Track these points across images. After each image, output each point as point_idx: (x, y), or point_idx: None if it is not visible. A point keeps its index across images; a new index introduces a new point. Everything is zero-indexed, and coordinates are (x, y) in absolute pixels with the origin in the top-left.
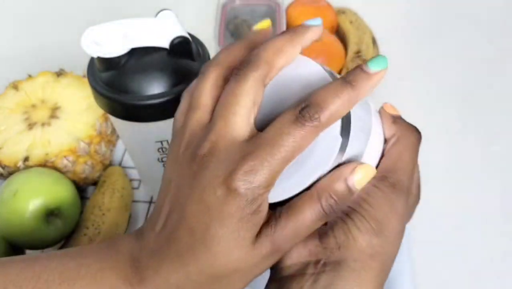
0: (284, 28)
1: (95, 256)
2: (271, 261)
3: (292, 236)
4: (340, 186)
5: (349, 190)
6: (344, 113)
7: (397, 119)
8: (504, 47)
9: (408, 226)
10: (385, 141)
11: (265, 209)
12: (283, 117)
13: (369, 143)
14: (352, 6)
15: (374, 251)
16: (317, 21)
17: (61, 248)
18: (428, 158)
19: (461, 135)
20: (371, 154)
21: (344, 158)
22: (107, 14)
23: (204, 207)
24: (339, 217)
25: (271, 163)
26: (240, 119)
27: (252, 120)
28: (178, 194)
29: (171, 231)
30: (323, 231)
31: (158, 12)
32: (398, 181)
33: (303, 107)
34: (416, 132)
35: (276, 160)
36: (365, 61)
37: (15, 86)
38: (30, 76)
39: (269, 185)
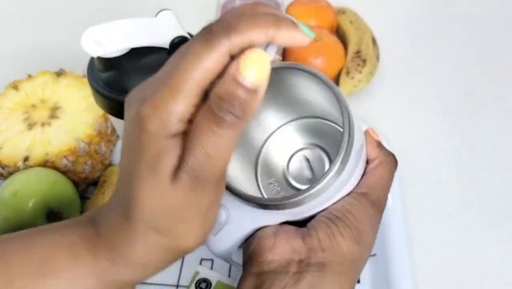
0: None
1: (56, 224)
2: (202, 197)
3: (206, 160)
4: (237, 91)
5: (249, 91)
6: (254, 40)
7: (380, 144)
8: (504, 47)
9: (408, 226)
10: (367, 161)
11: (177, 141)
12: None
13: (360, 163)
14: (352, 6)
15: (353, 258)
16: (311, 34)
17: None
18: (428, 158)
19: (461, 135)
20: (359, 172)
21: (340, 178)
22: (107, 14)
23: (128, 149)
24: (323, 221)
25: (175, 88)
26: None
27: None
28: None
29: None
30: (306, 232)
31: (158, 12)
32: (378, 198)
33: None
34: (394, 159)
35: (177, 82)
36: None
37: (15, 86)
38: (30, 76)
39: (175, 112)
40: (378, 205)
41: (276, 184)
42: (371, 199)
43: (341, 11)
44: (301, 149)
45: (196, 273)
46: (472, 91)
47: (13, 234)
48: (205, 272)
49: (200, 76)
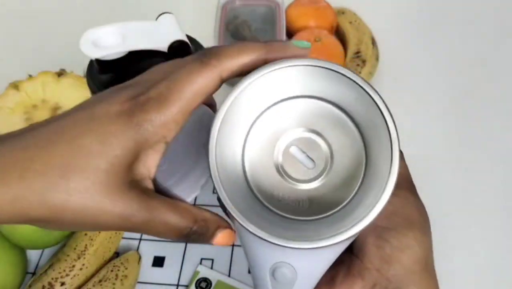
0: (284, 28)
1: None
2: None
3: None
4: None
5: None
6: (246, 63)
7: None
8: (504, 47)
9: None
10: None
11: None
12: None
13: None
14: (352, 7)
15: (422, 260)
16: (306, 45)
17: (61, 248)
18: (428, 157)
19: (461, 134)
20: None
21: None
22: (107, 14)
23: (87, 114)
24: (372, 243)
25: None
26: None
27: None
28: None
29: (34, 132)
30: (360, 266)
31: (159, 15)
32: (407, 179)
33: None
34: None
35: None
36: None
37: (15, 86)
38: (30, 76)
39: (161, 114)
40: (414, 191)
41: (285, 199)
42: (406, 186)
43: (341, 12)
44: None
45: (196, 273)
46: (472, 91)
47: None
48: (205, 271)
49: (190, 93)
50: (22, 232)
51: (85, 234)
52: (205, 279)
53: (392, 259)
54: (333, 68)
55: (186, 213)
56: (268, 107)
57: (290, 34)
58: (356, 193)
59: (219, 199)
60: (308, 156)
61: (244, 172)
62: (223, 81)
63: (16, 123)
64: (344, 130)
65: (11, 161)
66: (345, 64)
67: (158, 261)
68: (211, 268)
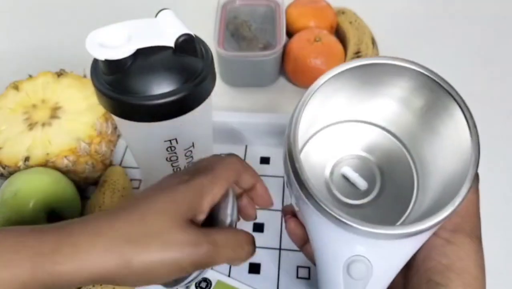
0: (284, 28)
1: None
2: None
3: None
4: None
5: None
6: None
7: None
8: (505, 46)
9: None
10: None
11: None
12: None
13: None
14: (352, 7)
15: None
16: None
17: None
18: None
19: None
20: None
21: None
22: (106, 14)
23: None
24: None
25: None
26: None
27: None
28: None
29: (115, 211)
30: None
31: (158, 12)
32: (474, 226)
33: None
34: (476, 180)
35: None
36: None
37: (15, 86)
38: (30, 76)
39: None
40: (476, 234)
41: None
42: (468, 230)
43: (341, 12)
44: (345, 158)
45: None
46: (472, 91)
47: None
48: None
49: (229, 176)
50: None
51: None
52: (205, 279)
53: None
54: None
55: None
56: (330, 124)
57: (290, 34)
58: (412, 207)
59: (300, 183)
60: (360, 176)
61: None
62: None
63: (16, 123)
64: (398, 158)
65: (104, 229)
66: None
67: None
68: (211, 268)
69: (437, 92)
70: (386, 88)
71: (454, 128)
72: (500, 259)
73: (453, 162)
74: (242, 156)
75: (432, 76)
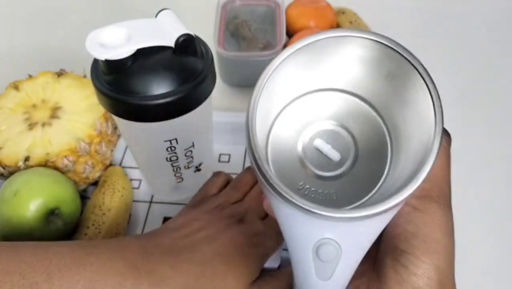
0: (284, 28)
1: (105, 246)
2: None
3: None
4: None
5: None
6: None
7: None
8: (504, 47)
9: None
10: None
11: None
12: None
13: None
14: (352, 7)
15: (439, 286)
16: None
17: None
18: None
19: (460, 135)
20: None
21: None
22: (106, 14)
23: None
24: (390, 265)
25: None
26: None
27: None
28: (210, 227)
29: (194, 240)
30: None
31: (158, 12)
32: (442, 192)
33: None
34: (446, 132)
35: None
36: None
37: (15, 86)
38: (30, 76)
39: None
40: (444, 200)
41: (305, 185)
42: (435, 197)
43: (341, 12)
44: (316, 128)
45: None
46: (472, 92)
47: (61, 245)
48: None
49: None
50: (22, 232)
51: (85, 234)
52: None
53: (408, 285)
54: (385, 42)
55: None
56: (294, 99)
57: (290, 34)
58: (381, 184)
59: (261, 174)
60: (333, 147)
61: (267, 162)
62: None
63: (16, 123)
64: (369, 123)
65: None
66: None
67: None
68: None
69: (398, 61)
70: (348, 59)
71: (418, 98)
72: (499, 259)
73: (420, 133)
74: (242, 156)
75: (389, 45)
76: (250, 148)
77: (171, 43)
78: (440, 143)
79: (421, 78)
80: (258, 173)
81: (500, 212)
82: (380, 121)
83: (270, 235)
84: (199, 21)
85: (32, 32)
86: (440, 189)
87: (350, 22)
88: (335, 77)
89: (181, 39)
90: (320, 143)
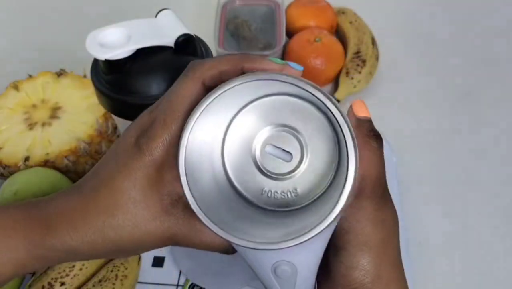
0: (284, 28)
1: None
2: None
3: None
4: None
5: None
6: (224, 70)
7: (359, 120)
8: (504, 46)
9: (406, 226)
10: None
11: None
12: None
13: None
14: (352, 7)
15: (374, 277)
16: (298, 67)
17: None
18: (427, 158)
19: (460, 135)
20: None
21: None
22: (106, 14)
23: (114, 156)
24: (332, 262)
25: (164, 118)
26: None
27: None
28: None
29: (80, 184)
30: (330, 283)
31: (158, 12)
32: (376, 185)
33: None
34: (376, 139)
35: (166, 110)
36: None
37: (15, 86)
38: (30, 76)
39: (164, 136)
40: (379, 195)
41: (273, 193)
42: (368, 193)
43: (341, 12)
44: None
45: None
46: (472, 91)
47: None
48: None
49: (179, 104)
50: None
51: None
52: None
53: (348, 277)
54: (283, 80)
55: None
56: (235, 115)
57: (290, 34)
58: (334, 175)
59: (202, 221)
60: (283, 150)
61: (229, 179)
62: (207, 86)
63: (16, 123)
64: (311, 116)
65: (72, 210)
66: (345, 64)
67: (158, 261)
68: None
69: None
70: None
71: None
72: (498, 259)
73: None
74: None
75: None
76: (188, 201)
77: (171, 43)
78: (356, 162)
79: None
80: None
81: (501, 213)
82: (321, 114)
83: None
84: (199, 21)
85: (32, 32)
86: (373, 186)
87: (350, 22)
88: (267, 88)
89: (181, 39)
90: (270, 149)
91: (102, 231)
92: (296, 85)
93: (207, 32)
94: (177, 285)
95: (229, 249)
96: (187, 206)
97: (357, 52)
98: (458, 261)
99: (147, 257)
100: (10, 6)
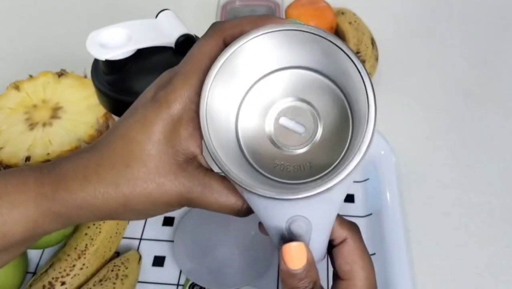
0: None
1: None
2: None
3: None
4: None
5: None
6: (245, 30)
7: (342, 221)
8: (503, 46)
9: (406, 225)
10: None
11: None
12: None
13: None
14: (352, 7)
15: None
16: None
17: (62, 247)
18: (427, 158)
19: (460, 135)
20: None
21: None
22: (106, 15)
23: (132, 110)
24: None
25: (183, 72)
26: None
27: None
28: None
29: (97, 142)
30: None
31: (158, 13)
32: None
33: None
34: (357, 227)
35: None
36: (364, 62)
37: (16, 86)
38: (31, 76)
39: (184, 90)
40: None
41: (286, 166)
42: (360, 285)
43: (341, 12)
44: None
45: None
46: (471, 92)
47: None
48: None
49: (200, 60)
50: None
51: (86, 234)
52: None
53: None
54: (305, 29)
55: (236, 191)
56: (252, 85)
57: None
58: (349, 145)
59: (225, 173)
60: (297, 122)
61: (241, 148)
62: (227, 44)
63: (16, 123)
64: (325, 90)
65: (86, 165)
66: None
67: (159, 261)
68: None
69: (322, 41)
70: (303, 47)
71: (348, 67)
72: (498, 259)
73: (360, 96)
74: None
75: (311, 31)
76: (205, 142)
77: (171, 44)
78: (375, 100)
79: (342, 52)
80: (218, 168)
81: (501, 212)
82: (336, 88)
83: None
84: (199, 21)
85: (33, 33)
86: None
87: (350, 23)
88: (285, 58)
89: (181, 39)
90: (284, 121)
91: (115, 182)
92: (319, 35)
93: None
94: (177, 285)
95: (241, 210)
96: (201, 165)
97: (357, 53)
98: (458, 261)
99: (147, 256)
100: (10, 6)
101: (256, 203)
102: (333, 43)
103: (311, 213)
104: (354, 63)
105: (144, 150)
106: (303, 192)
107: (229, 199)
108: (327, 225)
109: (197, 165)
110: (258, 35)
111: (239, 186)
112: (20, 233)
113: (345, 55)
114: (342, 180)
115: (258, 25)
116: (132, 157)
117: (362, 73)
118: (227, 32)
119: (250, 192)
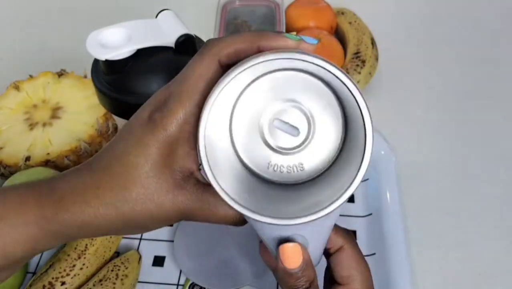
0: (283, 29)
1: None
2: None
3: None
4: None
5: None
6: (240, 48)
7: (338, 229)
8: (503, 46)
9: (406, 225)
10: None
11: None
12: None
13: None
14: (352, 7)
15: None
16: (312, 41)
17: (62, 247)
18: (427, 158)
19: (460, 135)
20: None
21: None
22: (107, 15)
23: (127, 131)
24: None
25: (179, 94)
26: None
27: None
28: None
29: (92, 161)
30: None
31: (159, 13)
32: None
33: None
34: (351, 234)
35: (181, 87)
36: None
37: (16, 86)
38: (31, 76)
39: (179, 112)
40: None
41: (280, 168)
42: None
43: (341, 12)
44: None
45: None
46: (471, 92)
47: None
48: None
49: (195, 82)
50: None
51: None
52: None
53: None
54: (302, 58)
55: None
56: (245, 88)
57: None
58: (341, 149)
59: (220, 193)
60: (291, 125)
61: (237, 154)
62: (223, 64)
63: (17, 123)
64: (320, 94)
65: (85, 184)
66: (345, 65)
67: (158, 261)
68: None
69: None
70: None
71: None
72: (498, 259)
73: (351, 101)
74: None
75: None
76: (203, 166)
77: (171, 44)
78: (368, 110)
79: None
80: (218, 194)
81: (500, 212)
82: (328, 89)
83: None
84: (199, 21)
85: (33, 33)
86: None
87: (350, 23)
88: (279, 62)
89: (181, 39)
90: (278, 123)
91: (115, 205)
92: (316, 64)
93: (207, 33)
94: (177, 285)
95: (239, 221)
96: (198, 181)
97: (357, 53)
98: (458, 260)
99: (147, 256)
100: (10, 6)
101: (252, 223)
102: (328, 70)
103: (307, 232)
104: (355, 98)
105: (142, 172)
106: (300, 218)
107: (226, 212)
108: (323, 239)
109: (194, 181)
110: (255, 64)
111: (239, 211)
112: (20, 252)
113: (342, 83)
114: (337, 208)
115: (253, 44)
116: (130, 179)
117: (357, 99)
118: (221, 52)
119: (249, 218)
